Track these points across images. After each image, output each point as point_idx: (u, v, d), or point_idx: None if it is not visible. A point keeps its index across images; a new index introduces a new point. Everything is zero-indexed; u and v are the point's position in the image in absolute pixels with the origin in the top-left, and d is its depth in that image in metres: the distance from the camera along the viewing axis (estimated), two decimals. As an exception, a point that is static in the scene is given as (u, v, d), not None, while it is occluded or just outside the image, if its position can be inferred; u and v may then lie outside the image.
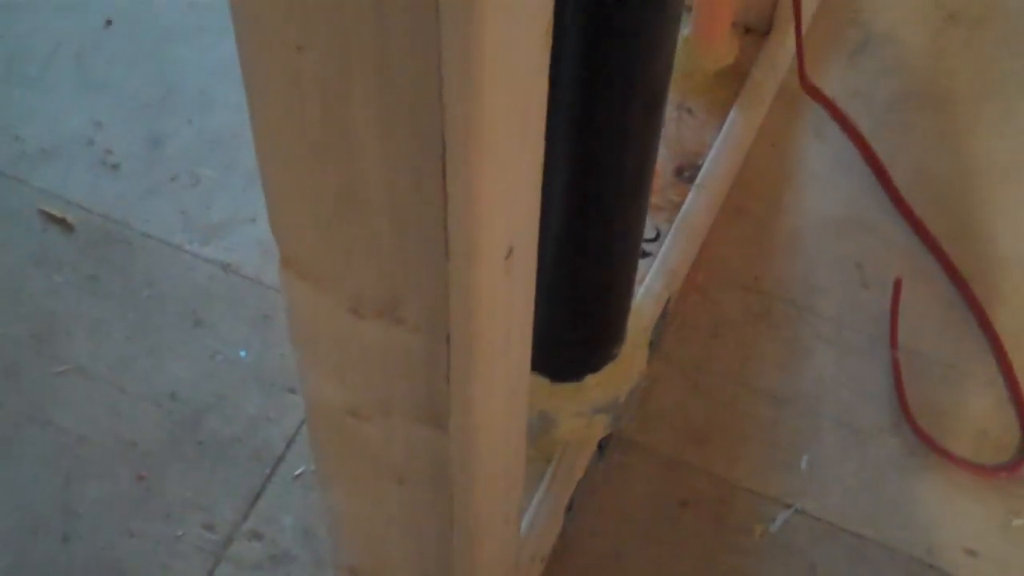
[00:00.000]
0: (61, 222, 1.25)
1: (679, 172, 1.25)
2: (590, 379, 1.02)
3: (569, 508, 1.05)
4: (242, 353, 1.16)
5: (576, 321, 0.97)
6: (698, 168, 1.24)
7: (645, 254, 1.19)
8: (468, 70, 0.46)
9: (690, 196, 1.21)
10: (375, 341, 0.63)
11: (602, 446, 1.09)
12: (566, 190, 0.85)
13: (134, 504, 1.07)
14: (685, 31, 1.31)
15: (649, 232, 1.20)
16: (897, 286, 1.23)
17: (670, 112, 1.29)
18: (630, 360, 1.04)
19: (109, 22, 1.44)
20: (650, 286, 1.15)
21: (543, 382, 1.02)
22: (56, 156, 1.32)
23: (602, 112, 0.80)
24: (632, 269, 0.98)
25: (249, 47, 0.51)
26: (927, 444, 1.14)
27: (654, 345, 1.17)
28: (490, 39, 0.45)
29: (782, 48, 1.36)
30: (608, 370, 1.03)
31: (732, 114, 1.28)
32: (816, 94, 1.35)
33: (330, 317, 0.63)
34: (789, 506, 1.10)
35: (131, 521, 1.06)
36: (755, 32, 1.37)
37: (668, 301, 1.17)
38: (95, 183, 1.29)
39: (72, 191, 1.28)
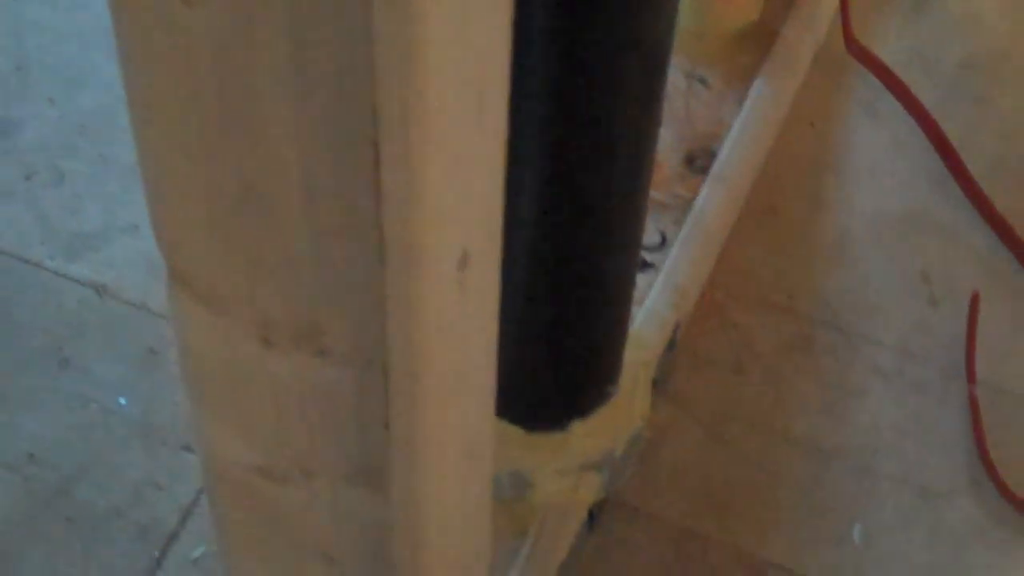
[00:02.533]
0: None
1: (690, 161, 1.27)
2: (576, 427, 1.03)
3: (551, 597, 1.06)
4: (122, 401, 1.17)
5: (556, 353, 0.99)
6: (713, 155, 1.26)
7: (646, 265, 1.20)
8: (405, 26, 0.47)
9: (704, 191, 1.23)
10: (290, 379, 0.64)
11: (594, 515, 1.10)
12: (541, 186, 0.86)
13: (-18, 600, 1.07)
14: (695, -23, 1.33)
15: (651, 237, 1.22)
16: (974, 303, 1.25)
17: (678, 83, 1.31)
18: (627, 402, 1.06)
19: (-56, -27, 1.45)
20: (654, 307, 1.16)
21: (515, 432, 1.03)
22: None
23: (586, 83, 0.81)
24: (627, 285, 0.99)
25: (123, 2, 0.52)
26: (1015, 506, 1.15)
27: (660, 384, 1.18)
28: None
29: (820, 1, 1.38)
30: (599, 415, 1.04)
31: (757, 85, 1.30)
32: (866, 58, 1.37)
33: (233, 349, 0.64)
34: (841, 590, 1.12)
35: (-21, 623, 1.06)
36: (786, -21, 1.40)
37: (677, 327, 1.18)
38: (-72, 183, 1.30)
39: (-102, 193, 1.29)
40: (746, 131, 1.27)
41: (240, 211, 0.57)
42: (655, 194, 1.24)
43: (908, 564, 1.13)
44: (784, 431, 1.19)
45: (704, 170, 1.26)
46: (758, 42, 1.35)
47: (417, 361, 0.59)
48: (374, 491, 0.67)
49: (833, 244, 1.31)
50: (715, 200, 1.23)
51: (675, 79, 1.31)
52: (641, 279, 1.19)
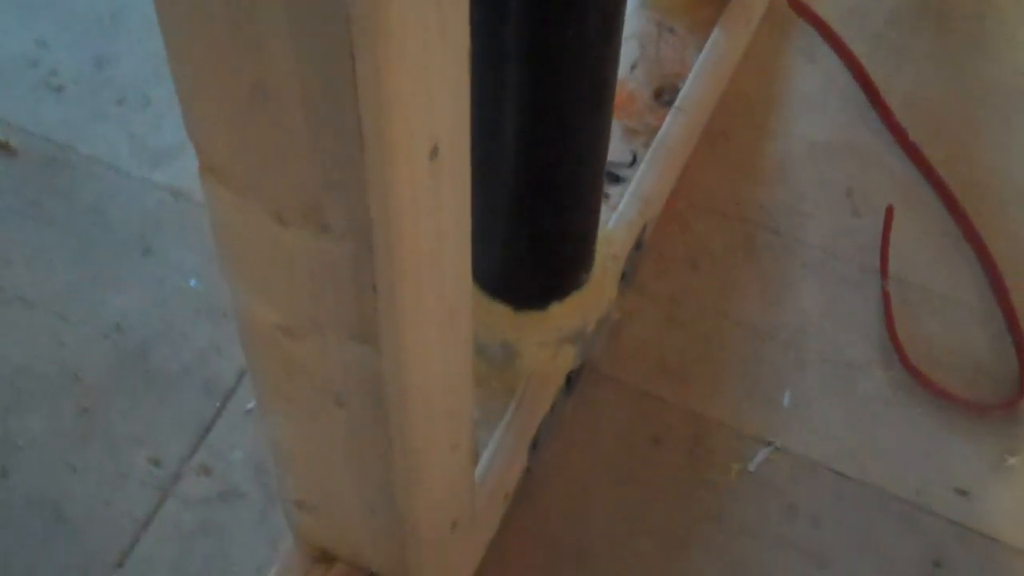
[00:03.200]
0: (3, 146, 1.26)
1: (658, 95, 1.25)
2: (554, 308, 1.03)
3: (535, 443, 1.06)
4: (192, 282, 1.17)
5: (536, 246, 0.98)
6: (678, 91, 1.24)
7: (620, 179, 1.19)
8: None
9: (668, 119, 1.22)
10: (301, 251, 0.63)
11: (571, 379, 1.10)
12: (520, 102, 0.85)
13: (77, 438, 1.08)
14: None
15: (624, 157, 1.21)
16: (889, 213, 1.23)
17: (650, 31, 1.29)
18: (598, 288, 1.05)
19: (56, -64, 1.44)
20: (623, 213, 1.15)
21: (505, 310, 1.02)
22: (-2, 77, 1.32)
23: (555, 14, 0.80)
24: (596, 190, 0.98)
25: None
26: (918, 379, 1.14)
27: (629, 277, 1.17)
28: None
29: (771, -38, 1.36)
30: (574, 298, 1.03)
31: (715, 34, 1.28)
32: (804, 11, 1.35)
33: (254, 226, 0.63)
34: (769, 443, 1.11)
35: (73, 456, 1.07)
36: (743, -55, 1.37)
37: (644, 230, 1.17)
38: (38, 106, 1.30)
39: (14, 114, 1.29)
40: (704, 71, 1.25)
41: (251, 110, 0.56)
42: (628, 122, 1.23)
43: (826, 423, 1.13)
44: (729, 314, 1.19)
45: (670, 103, 1.24)
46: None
47: (395, 236, 0.58)
48: (370, 346, 0.67)
49: (775, 165, 1.30)
50: (676, 127, 1.21)
51: (648, 28, 1.29)
52: (615, 191, 1.19)
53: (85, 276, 1.17)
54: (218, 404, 1.10)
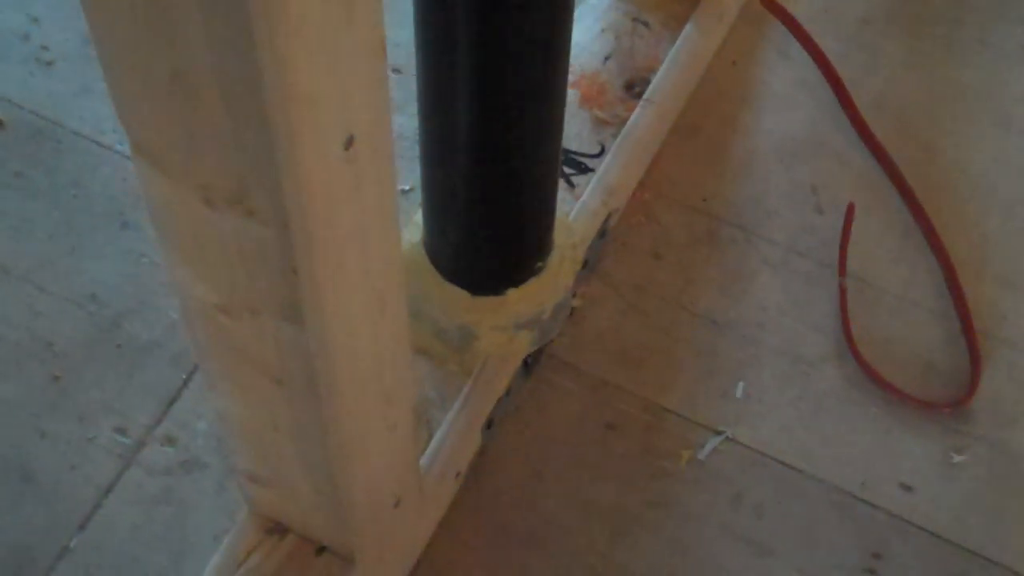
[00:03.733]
0: (-9, 118, 1.27)
1: (629, 87, 1.26)
2: (511, 293, 1.04)
3: (489, 425, 1.07)
4: (165, 257, 1.18)
5: (490, 233, 0.99)
6: (649, 83, 1.25)
7: (587, 170, 1.20)
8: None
9: (637, 111, 1.22)
10: (232, 233, 0.64)
11: (528, 364, 1.11)
12: (471, 88, 0.86)
13: (47, 404, 1.09)
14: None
15: (593, 148, 1.21)
16: (849, 211, 1.23)
17: (624, 25, 1.29)
18: (555, 276, 1.06)
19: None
20: (587, 201, 1.16)
21: (463, 294, 1.03)
22: (-10, 50, 1.33)
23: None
24: (551, 178, 0.98)
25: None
26: (870, 375, 1.15)
27: (591, 265, 1.18)
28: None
29: (748, -40, 1.36)
30: (531, 285, 1.04)
31: (687, 28, 1.28)
32: (776, 8, 1.34)
33: (186, 207, 0.64)
34: (720, 433, 1.12)
35: (43, 421, 1.08)
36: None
37: (608, 219, 1.18)
38: (28, 80, 1.31)
39: (4, 87, 1.30)
40: (675, 65, 1.26)
41: (173, 96, 0.57)
42: (599, 113, 1.23)
43: (777, 415, 1.13)
44: (689, 306, 1.19)
45: (640, 95, 1.24)
46: (695, -7, 1.33)
47: (312, 223, 0.59)
48: (299, 326, 0.68)
49: (743, 160, 1.30)
50: (645, 119, 1.22)
51: (622, 21, 1.29)
52: (582, 180, 1.20)
53: (63, 247, 1.18)
54: (184, 376, 1.11)
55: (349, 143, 0.57)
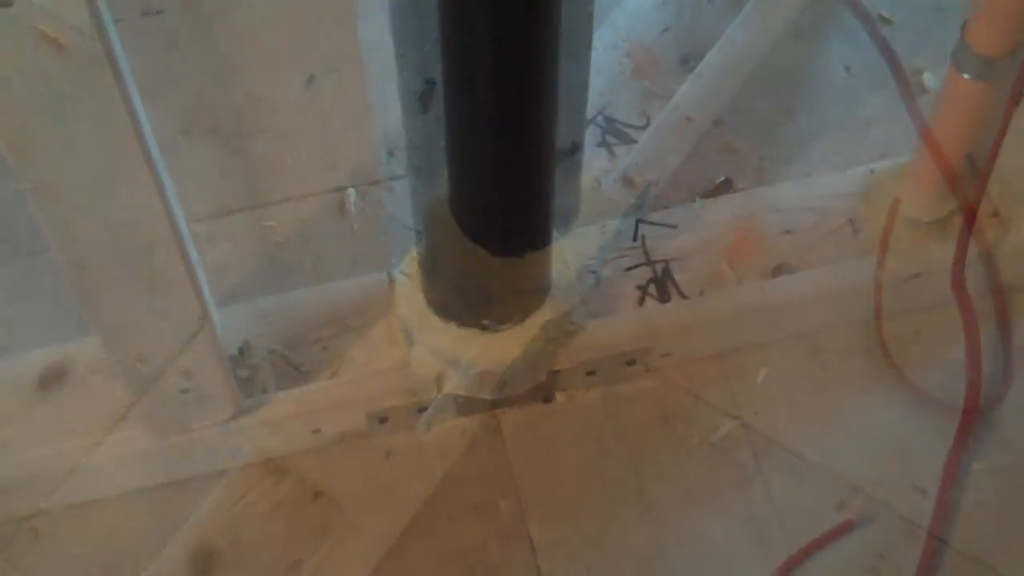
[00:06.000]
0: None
1: (684, 61, 1.19)
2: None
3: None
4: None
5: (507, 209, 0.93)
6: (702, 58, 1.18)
7: (630, 141, 1.14)
8: None
9: (685, 85, 1.15)
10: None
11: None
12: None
13: None
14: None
15: (640, 119, 1.16)
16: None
17: (687, -1, 1.23)
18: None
19: None
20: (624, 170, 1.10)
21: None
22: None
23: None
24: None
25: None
26: (897, 375, 1.09)
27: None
28: None
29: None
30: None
31: (749, 6, 1.21)
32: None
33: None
34: (736, 418, 1.06)
35: None
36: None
37: (649, 185, 1.11)
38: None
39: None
40: (730, 42, 1.19)
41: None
42: (650, 85, 1.17)
43: (796, 405, 1.07)
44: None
45: (694, 69, 1.18)
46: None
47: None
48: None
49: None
50: (692, 93, 1.15)
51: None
52: (623, 151, 1.14)
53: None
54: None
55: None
